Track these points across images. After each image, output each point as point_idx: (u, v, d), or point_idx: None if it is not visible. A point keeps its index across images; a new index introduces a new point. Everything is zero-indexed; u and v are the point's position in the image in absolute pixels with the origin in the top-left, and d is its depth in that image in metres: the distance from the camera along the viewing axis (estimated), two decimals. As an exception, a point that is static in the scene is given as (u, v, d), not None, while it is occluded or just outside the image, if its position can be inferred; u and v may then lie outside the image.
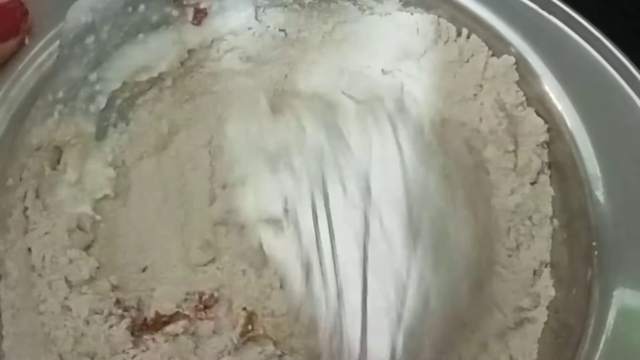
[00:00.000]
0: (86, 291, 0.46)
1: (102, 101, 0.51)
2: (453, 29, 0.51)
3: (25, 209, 0.48)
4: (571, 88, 0.47)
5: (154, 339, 0.46)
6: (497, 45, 0.49)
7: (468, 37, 0.50)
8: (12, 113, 0.47)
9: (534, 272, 0.48)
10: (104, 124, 0.52)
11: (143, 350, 0.46)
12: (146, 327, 0.47)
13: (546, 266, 0.48)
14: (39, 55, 0.48)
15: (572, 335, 0.44)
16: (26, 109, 0.47)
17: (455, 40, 0.51)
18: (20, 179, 0.48)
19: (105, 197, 0.51)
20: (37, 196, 0.48)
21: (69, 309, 0.46)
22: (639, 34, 0.50)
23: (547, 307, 0.47)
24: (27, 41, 0.48)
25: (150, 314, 0.48)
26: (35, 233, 0.47)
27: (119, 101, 0.52)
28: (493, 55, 0.49)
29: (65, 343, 0.45)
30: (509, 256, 0.49)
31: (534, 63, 0.48)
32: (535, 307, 0.47)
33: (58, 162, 0.50)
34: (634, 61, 0.46)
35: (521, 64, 0.48)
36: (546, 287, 0.47)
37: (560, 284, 0.47)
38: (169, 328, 0.47)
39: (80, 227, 0.49)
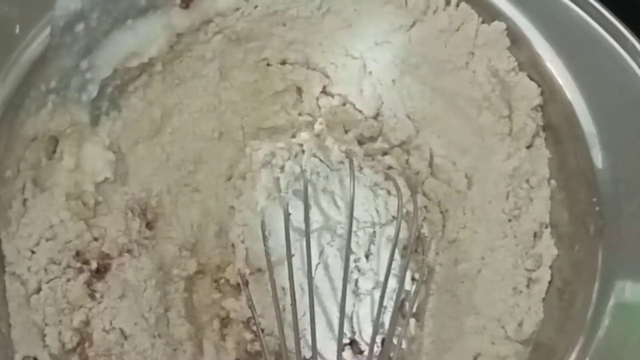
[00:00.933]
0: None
1: (93, 90, 0.50)
2: (441, -2, 0.51)
3: (25, 200, 0.48)
4: (562, 49, 0.47)
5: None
6: (486, 11, 0.49)
7: (457, 5, 0.50)
8: (7, 104, 0.47)
9: (534, 235, 0.49)
10: (96, 112, 0.52)
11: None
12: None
13: (546, 227, 0.48)
14: (30, 45, 0.48)
15: (577, 293, 0.45)
16: (20, 100, 0.47)
17: (444, 9, 0.51)
18: (18, 171, 0.47)
19: (106, 180, 0.51)
20: (35, 185, 0.48)
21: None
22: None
23: (550, 267, 0.47)
24: (17, 30, 0.47)
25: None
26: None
27: (109, 89, 0.52)
28: (483, 22, 0.50)
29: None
30: (509, 220, 0.50)
31: (523, 27, 0.48)
32: (538, 267, 0.48)
33: (54, 152, 0.50)
34: (621, 19, 0.46)
35: (511, 29, 0.48)
36: (547, 247, 0.48)
37: (562, 243, 0.47)
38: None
39: (79, 198, 0.49)
